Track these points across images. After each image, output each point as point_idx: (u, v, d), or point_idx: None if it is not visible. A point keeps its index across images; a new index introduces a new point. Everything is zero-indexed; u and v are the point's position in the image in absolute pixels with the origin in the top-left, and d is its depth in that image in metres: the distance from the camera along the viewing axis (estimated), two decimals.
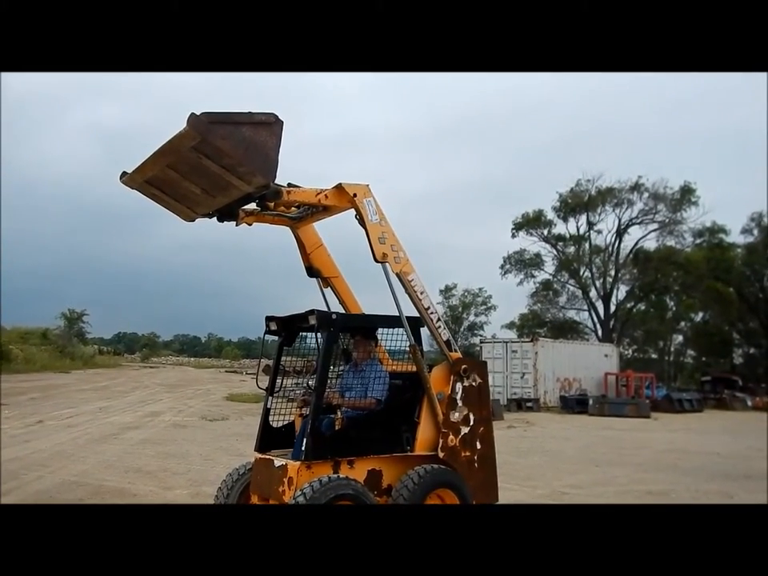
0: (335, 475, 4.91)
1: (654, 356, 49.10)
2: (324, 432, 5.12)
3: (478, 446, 5.65)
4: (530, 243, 46.56)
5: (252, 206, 5.23)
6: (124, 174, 4.91)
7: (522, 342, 29.06)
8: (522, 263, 47.13)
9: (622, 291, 45.65)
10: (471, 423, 5.62)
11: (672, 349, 49.96)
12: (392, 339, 5.77)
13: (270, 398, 5.77)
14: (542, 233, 46.38)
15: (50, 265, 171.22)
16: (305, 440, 4.98)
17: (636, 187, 43.00)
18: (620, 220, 44.12)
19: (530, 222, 46.13)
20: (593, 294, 45.50)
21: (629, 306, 46.09)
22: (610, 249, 44.88)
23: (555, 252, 46.97)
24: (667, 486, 9.39)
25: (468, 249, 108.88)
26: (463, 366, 5.64)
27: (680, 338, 50.24)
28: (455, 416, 5.54)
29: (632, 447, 14.27)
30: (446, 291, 55.01)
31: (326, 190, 5.23)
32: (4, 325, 41.54)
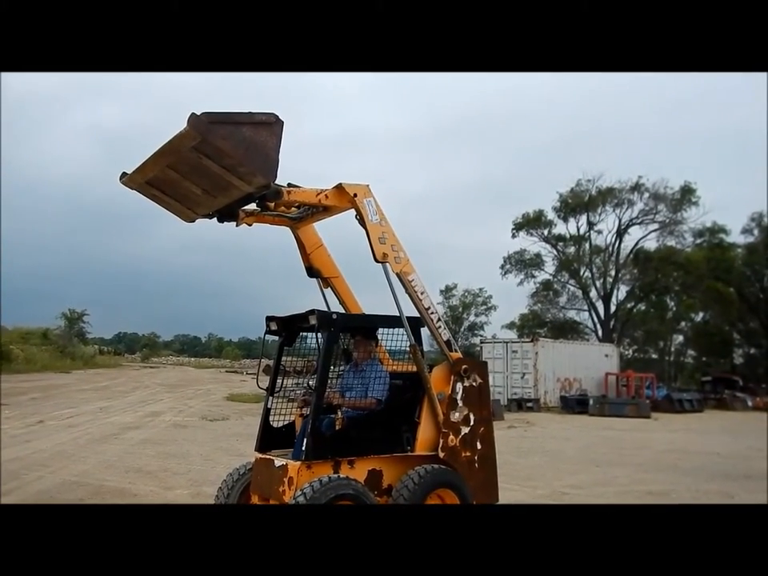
0: (335, 475, 4.91)
1: (654, 356, 49.08)
2: (324, 432, 5.12)
3: (479, 446, 5.65)
4: (531, 243, 46.65)
5: (252, 206, 5.23)
6: (124, 174, 4.90)
7: (523, 342, 29.06)
8: (522, 263, 47.14)
9: (622, 291, 45.76)
10: (471, 423, 5.62)
11: (672, 349, 49.97)
12: (392, 339, 5.77)
13: (271, 398, 5.78)
14: (543, 233, 46.43)
15: (50, 265, 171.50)
16: (305, 440, 4.98)
17: (636, 187, 43.02)
18: (620, 220, 44.21)
19: (531, 222, 46.13)
20: (593, 294, 45.58)
21: (629, 306, 46.08)
22: (611, 249, 44.95)
23: (555, 252, 47.02)
24: (668, 486, 9.39)
25: (468, 249, 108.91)
26: (464, 366, 5.64)
27: (680, 338, 50.30)
28: (455, 416, 5.54)
29: (632, 447, 14.27)
30: (447, 291, 55.08)
31: (326, 190, 5.23)
32: (5, 325, 41.65)
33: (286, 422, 5.80)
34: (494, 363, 25.75)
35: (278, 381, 5.87)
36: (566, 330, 45.55)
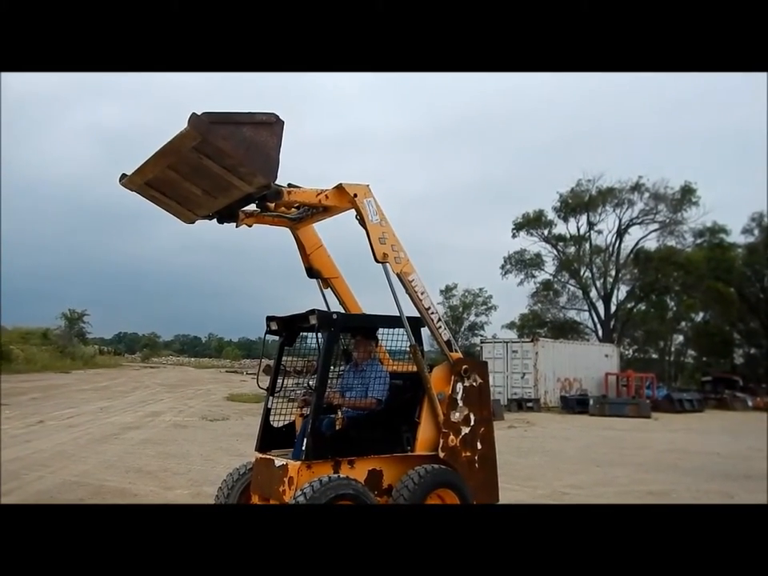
0: (335, 475, 4.91)
1: (654, 356, 49.05)
2: (324, 432, 5.12)
3: (479, 446, 5.65)
4: (531, 243, 46.66)
5: (252, 207, 5.23)
6: (123, 176, 4.89)
7: (523, 342, 29.05)
8: (522, 263, 47.14)
9: (622, 291, 45.76)
10: (472, 423, 5.62)
11: (672, 349, 49.94)
12: (393, 339, 5.77)
13: (271, 397, 5.78)
14: (543, 233, 46.43)
15: (51, 265, 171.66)
16: (305, 440, 4.98)
17: (636, 187, 43.02)
18: (620, 220, 44.21)
19: (531, 222, 46.13)
20: (593, 294, 45.58)
21: (629, 306, 46.07)
22: (611, 249, 44.95)
23: (556, 252, 47.03)
24: (668, 486, 9.39)
25: (468, 249, 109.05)
26: (464, 366, 5.64)
27: (680, 338, 50.27)
28: (456, 416, 5.54)
29: (633, 447, 14.27)
30: (447, 291, 55.04)
31: (326, 190, 5.22)
32: (5, 325, 41.66)
33: (286, 422, 5.80)
34: (494, 363, 25.74)
35: (278, 381, 5.87)
36: (567, 330, 45.54)
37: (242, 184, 4.54)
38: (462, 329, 54.39)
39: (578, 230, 45.54)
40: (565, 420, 21.91)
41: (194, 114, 4.00)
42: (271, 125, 4.37)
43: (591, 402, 24.75)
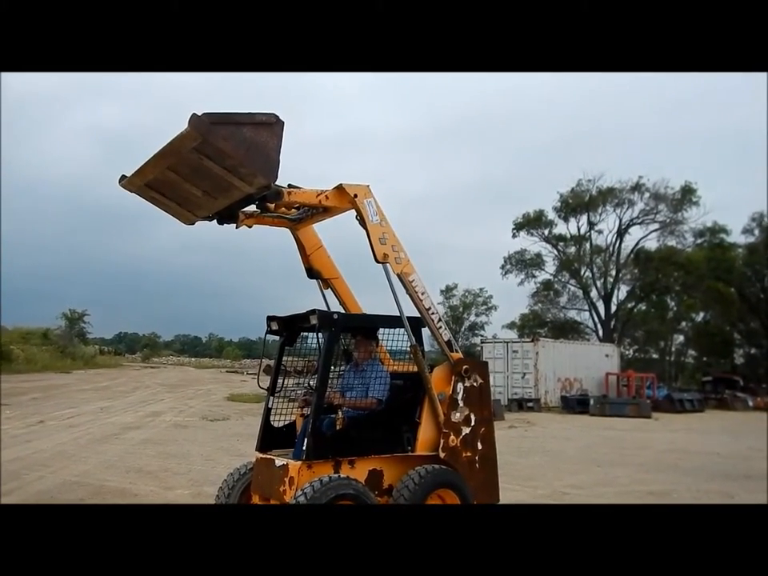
0: (336, 475, 4.92)
1: (654, 356, 49.03)
2: (325, 432, 5.12)
3: (479, 446, 5.65)
4: (531, 243, 46.65)
5: (252, 207, 5.22)
6: (123, 177, 4.88)
7: (523, 342, 29.04)
8: (522, 263, 47.14)
9: (622, 291, 45.76)
10: (472, 423, 5.62)
11: (673, 349, 49.92)
12: (393, 339, 5.77)
13: (272, 397, 5.78)
14: (543, 233, 46.43)
15: (51, 265, 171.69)
16: (306, 440, 4.98)
17: (637, 187, 43.02)
18: (621, 220, 44.21)
19: (531, 222, 46.13)
20: (594, 294, 45.56)
21: (630, 306, 46.07)
22: (611, 249, 44.93)
23: (556, 252, 47.03)
24: (668, 486, 9.39)
25: (468, 249, 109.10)
26: (464, 367, 5.64)
27: (681, 338, 50.26)
28: (456, 416, 5.53)
29: (633, 447, 14.26)
30: (447, 291, 55.06)
31: (326, 191, 5.22)
32: (5, 325, 41.70)
33: (286, 422, 5.80)
34: (494, 363, 25.73)
35: (278, 381, 5.87)
36: (567, 330, 45.54)
37: (243, 185, 4.54)
38: (463, 329, 54.40)
39: (579, 229, 45.62)
40: (565, 420, 21.91)
41: (194, 114, 4.00)
42: (271, 125, 4.37)
43: (592, 402, 24.74)
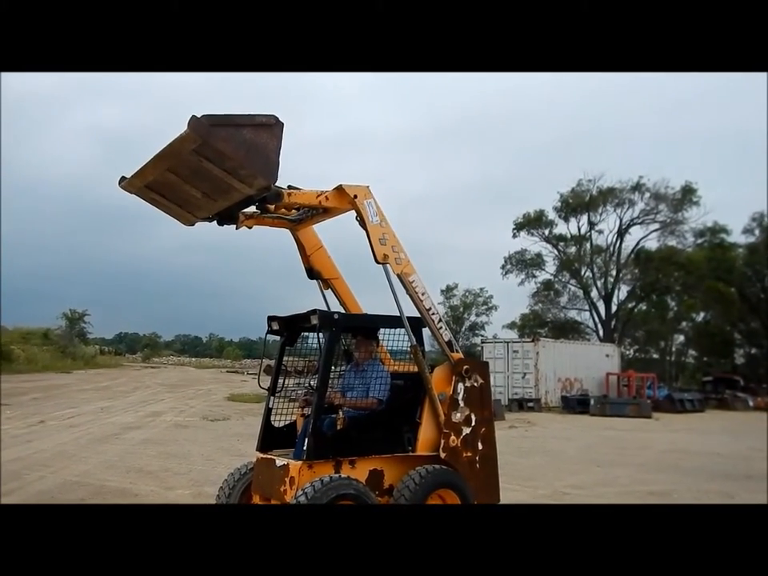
0: (336, 475, 4.92)
1: (655, 356, 49.02)
2: (325, 432, 5.13)
3: (480, 446, 5.65)
4: (531, 243, 46.68)
5: (252, 208, 5.22)
6: (123, 178, 4.88)
7: (524, 342, 29.05)
8: (523, 263, 47.15)
9: (623, 291, 45.80)
10: (473, 423, 5.62)
11: (673, 349, 49.93)
12: (393, 339, 5.77)
13: (272, 397, 5.78)
14: (543, 233, 46.46)
15: (51, 265, 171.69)
16: (306, 440, 4.98)
17: (637, 187, 43.04)
18: (621, 220, 44.23)
19: (531, 222, 46.14)
20: (594, 294, 45.58)
21: (630, 306, 46.07)
22: (611, 249, 44.96)
23: (556, 252, 47.05)
24: (669, 486, 9.38)
25: (468, 249, 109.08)
26: (465, 367, 5.64)
27: (681, 338, 50.27)
28: (457, 416, 5.53)
29: (633, 447, 14.26)
30: (447, 291, 55.10)
31: (326, 191, 5.22)
32: (5, 325, 41.75)
33: (287, 422, 5.81)
34: (494, 363, 25.72)
35: (279, 381, 5.87)
36: (567, 330, 45.55)
37: (242, 186, 4.54)
38: (463, 329, 54.41)
39: (579, 229, 45.65)
40: (566, 420, 21.91)
41: (193, 116, 3.99)
42: (271, 127, 4.37)
43: (592, 402, 24.74)
